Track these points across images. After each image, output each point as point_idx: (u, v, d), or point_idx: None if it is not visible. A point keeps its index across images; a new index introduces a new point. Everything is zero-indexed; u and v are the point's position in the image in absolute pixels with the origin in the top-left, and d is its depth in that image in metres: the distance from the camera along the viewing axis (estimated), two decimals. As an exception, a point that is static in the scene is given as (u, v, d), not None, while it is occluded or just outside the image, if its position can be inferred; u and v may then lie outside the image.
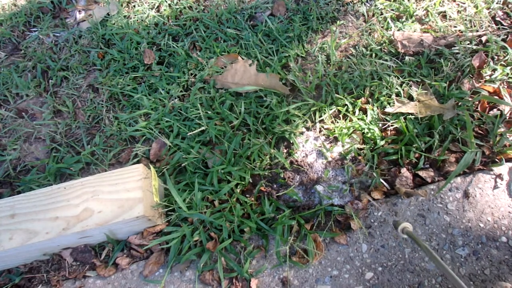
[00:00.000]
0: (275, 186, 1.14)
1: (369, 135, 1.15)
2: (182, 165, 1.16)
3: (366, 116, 1.19)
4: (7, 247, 0.96)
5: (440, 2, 1.42)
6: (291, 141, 1.20)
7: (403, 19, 1.41)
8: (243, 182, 1.12)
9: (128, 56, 1.49)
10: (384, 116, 1.19)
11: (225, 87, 1.33)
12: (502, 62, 1.24)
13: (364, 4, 1.49)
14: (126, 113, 1.34)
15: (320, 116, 1.23)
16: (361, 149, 1.15)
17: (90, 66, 1.52)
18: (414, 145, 1.12)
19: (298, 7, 1.52)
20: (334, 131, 1.18)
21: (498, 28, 1.34)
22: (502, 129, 1.11)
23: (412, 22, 1.39)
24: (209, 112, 1.26)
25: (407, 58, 1.29)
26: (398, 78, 1.25)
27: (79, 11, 1.74)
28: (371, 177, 1.12)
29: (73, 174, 1.24)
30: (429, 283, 0.97)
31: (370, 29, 1.42)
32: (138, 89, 1.39)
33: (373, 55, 1.33)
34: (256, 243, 1.06)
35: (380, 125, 1.18)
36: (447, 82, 1.21)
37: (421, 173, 1.10)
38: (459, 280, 0.70)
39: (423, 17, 1.40)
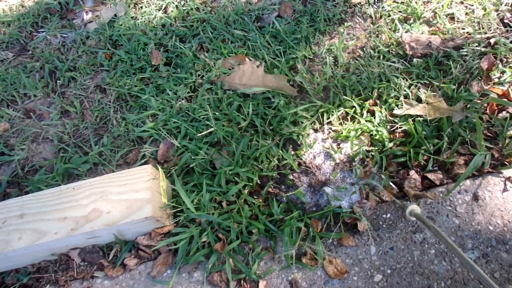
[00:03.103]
0: (283, 187, 1.14)
1: (377, 137, 1.15)
2: (190, 166, 1.16)
3: (374, 118, 1.19)
4: (16, 247, 0.96)
5: (448, 4, 1.42)
6: (299, 143, 1.19)
7: (411, 21, 1.41)
8: (251, 184, 1.12)
9: (135, 57, 1.50)
10: (392, 118, 1.19)
11: (232, 88, 1.33)
12: (511, 65, 1.23)
13: (372, 5, 1.49)
14: (134, 114, 1.35)
15: (328, 118, 1.23)
16: (369, 151, 1.15)
17: (98, 67, 1.53)
18: (422, 147, 1.11)
19: (305, 8, 1.53)
20: (342, 133, 1.18)
21: (507, 30, 1.33)
22: (511, 132, 1.11)
23: (420, 24, 1.38)
24: (216, 113, 1.26)
25: (415, 60, 1.29)
26: (406, 80, 1.24)
27: (86, 12, 1.75)
28: (379, 179, 1.11)
29: (81, 174, 1.24)
30: (438, 286, 0.96)
31: (377, 31, 1.42)
32: (145, 90, 1.39)
33: (381, 57, 1.33)
34: (264, 245, 1.06)
35: (388, 127, 1.18)
36: (456, 84, 1.21)
37: (429, 175, 1.09)
38: (473, 264, 0.69)
39: (431, 19, 1.40)
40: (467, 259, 0.70)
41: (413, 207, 0.94)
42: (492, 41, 1.29)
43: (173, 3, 1.66)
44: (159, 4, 1.67)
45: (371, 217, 1.07)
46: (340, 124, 1.22)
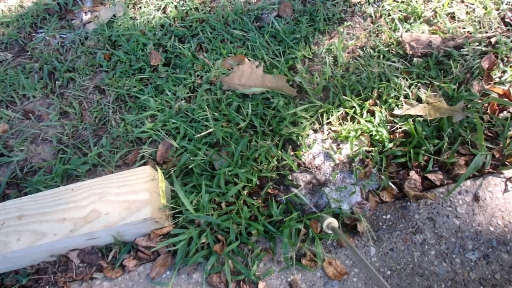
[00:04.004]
0: (282, 188, 1.14)
1: (377, 137, 1.14)
2: (189, 167, 1.15)
3: (374, 118, 1.18)
4: (15, 248, 0.96)
5: (448, 3, 1.41)
6: (299, 143, 1.19)
7: (411, 20, 1.40)
8: (250, 184, 1.11)
9: (134, 57, 1.49)
10: (392, 118, 1.18)
11: (231, 88, 1.33)
12: (512, 64, 1.23)
13: (372, 5, 1.48)
14: (133, 114, 1.34)
15: (328, 118, 1.22)
16: (369, 151, 1.15)
17: (97, 68, 1.53)
18: (423, 148, 1.10)
19: (305, 8, 1.52)
20: (342, 133, 1.17)
21: (508, 30, 1.32)
22: (512, 132, 1.10)
23: (420, 23, 1.38)
24: (215, 113, 1.25)
25: (415, 59, 1.28)
26: (407, 80, 1.24)
27: (85, 12, 1.75)
28: (379, 180, 1.11)
29: (80, 175, 1.24)
30: (439, 287, 0.96)
31: (377, 30, 1.41)
32: (144, 91, 1.39)
33: (381, 56, 1.33)
34: (263, 246, 1.06)
35: (388, 127, 1.17)
36: (456, 84, 1.20)
37: (430, 176, 1.09)
38: (382, 280, 0.69)
39: (431, 18, 1.39)
40: (384, 282, 0.70)
41: (331, 220, 0.95)
42: (493, 40, 1.28)
43: (172, 3, 1.65)
44: (158, 4, 1.67)
45: (370, 218, 1.06)
46: (340, 124, 1.21)
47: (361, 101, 1.22)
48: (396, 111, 1.17)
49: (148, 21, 1.61)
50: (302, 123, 1.21)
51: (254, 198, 1.12)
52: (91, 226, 0.97)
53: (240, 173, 1.10)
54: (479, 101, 1.15)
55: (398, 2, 1.46)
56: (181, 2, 1.65)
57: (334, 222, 0.95)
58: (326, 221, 0.95)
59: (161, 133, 1.25)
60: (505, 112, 1.15)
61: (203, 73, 1.39)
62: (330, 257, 1.01)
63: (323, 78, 1.29)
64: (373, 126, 1.16)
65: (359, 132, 1.16)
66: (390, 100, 1.20)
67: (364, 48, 1.37)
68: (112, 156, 1.26)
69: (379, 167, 1.12)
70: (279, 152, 1.16)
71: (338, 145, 1.19)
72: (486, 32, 1.32)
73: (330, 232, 0.96)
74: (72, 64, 1.55)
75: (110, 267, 1.06)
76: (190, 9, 1.61)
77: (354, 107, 1.21)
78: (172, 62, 1.46)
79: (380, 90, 1.23)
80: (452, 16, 1.40)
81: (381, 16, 1.45)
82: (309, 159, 1.17)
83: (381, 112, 1.19)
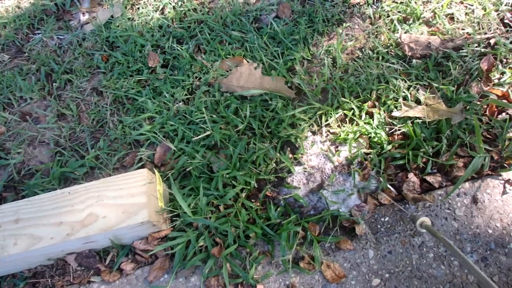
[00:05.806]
0: (280, 190, 1.13)
1: (375, 139, 1.14)
2: (187, 169, 1.15)
3: (373, 120, 1.18)
4: (12, 252, 0.96)
5: (447, 4, 1.40)
6: (297, 145, 1.18)
7: (410, 21, 1.39)
8: (249, 187, 1.11)
9: (132, 59, 1.48)
10: (391, 120, 1.18)
11: (230, 90, 1.32)
12: (511, 65, 1.22)
13: (371, 6, 1.48)
14: (131, 116, 1.34)
15: (326, 120, 1.22)
16: (367, 153, 1.14)
17: (94, 69, 1.52)
18: (421, 150, 1.10)
19: (304, 9, 1.51)
20: (340, 135, 1.17)
21: (507, 31, 1.32)
22: (511, 134, 1.10)
23: (419, 24, 1.37)
24: (214, 116, 1.25)
25: (414, 61, 1.28)
26: (405, 82, 1.23)
27: (83, 13, 1.74)
28: (378, 182, 1.10)
29: (77, 178, 1.23)
30: (437, 290, 0.96)
31: (376, 31, 1.40)
32: (142, 93, 1.38)
33: (380, 58, 1.32)
34: (261, 249, 1.05)
35: (387, 129, 1.17)
36: (455, 86, 1.20)
37: (428, 178, 1.09)
38: (484, 276, 0.69)
39: (431, 19, 1.39)
40: (484, 276, 0.70)
41: (424, 219, 0.96)
42: (492, 41, 1.28)
43: (170, 4, 1.64)
44: (156, 5, 1.66)
45: (369, 220, 1.06)
46: (339, 126, 1.21)
47: (360, 103, 1.22)
48: (395, 113, 1.17)
49: (146, 22, 1.61)
50: (300, 125, 1.20)
51: (252, 200, 1.11)
52: (88, 229, 0.97)
53: (238, 176, 1.10)
54: (478, 103, 1.15)
55: (397, 3, 1.46)
56: (180, 3, 1.64)
57: (427, 221, 0.95)
58: (419, 220, 0.96)
59: (159, 135, 1.25)
60: (503, 114, 1.14)
61: (201, 74, 1.38)
62: (328, 260, 1.01)
63: (321, 79, 1.28)
64: (372, 128, 1.15)
65: (358, 134, 1.16)
66: (388, 102, 1.19)
67: (363, 50, 1.36)
68: (110, 159, 1.25)
69: (377, 169, 1.11)
70: (278, 154, 1.15)
71: (337, 147, 1.18)
72: (485, 33, 1.31)
73: (423, 231, 0.96)
74: (69, 66, 1.54)
75: (107, 270, 1.06)
76: (189, 10, 1.60)
77: (352, 109, 1.21)
78: (170, 63, 1.45)
79: (378, 92, 1.23)
80: (451, 17, 1.39)
81: (380, 17, 1.44)
82: (307, 161, 1.17)
83: (379, 114, 1.18)
